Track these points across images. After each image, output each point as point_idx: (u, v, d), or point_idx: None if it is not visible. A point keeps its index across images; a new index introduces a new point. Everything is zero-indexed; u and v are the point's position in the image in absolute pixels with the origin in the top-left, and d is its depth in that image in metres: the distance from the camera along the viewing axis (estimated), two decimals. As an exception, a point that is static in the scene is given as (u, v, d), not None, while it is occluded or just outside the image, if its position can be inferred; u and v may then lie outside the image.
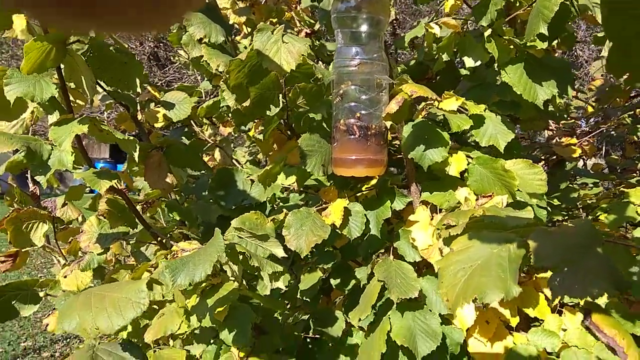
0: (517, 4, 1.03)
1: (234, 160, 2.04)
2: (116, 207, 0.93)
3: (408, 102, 0.90)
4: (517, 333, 1.14)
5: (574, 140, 1.76)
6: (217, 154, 1.81)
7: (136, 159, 0.75)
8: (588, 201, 1.64)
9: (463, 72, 1.34)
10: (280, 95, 0.99)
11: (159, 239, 0.93)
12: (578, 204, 1.66)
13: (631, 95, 1.87)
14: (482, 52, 1.05)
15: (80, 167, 0.82)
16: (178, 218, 1.05)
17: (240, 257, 0.77)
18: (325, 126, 1.02)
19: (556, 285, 0.50)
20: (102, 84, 0.96)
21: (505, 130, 1.04)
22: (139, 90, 0.78)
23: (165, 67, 4.52)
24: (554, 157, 1.83)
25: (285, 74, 0.83)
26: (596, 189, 1.63)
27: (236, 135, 2.55)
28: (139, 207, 1.04)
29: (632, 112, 1.87)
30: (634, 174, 1.93)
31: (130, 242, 0.98)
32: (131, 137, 0.75)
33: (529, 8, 1.00)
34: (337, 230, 0.95)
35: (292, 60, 0.81)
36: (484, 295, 0.49)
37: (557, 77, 1.01)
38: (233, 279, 0.87)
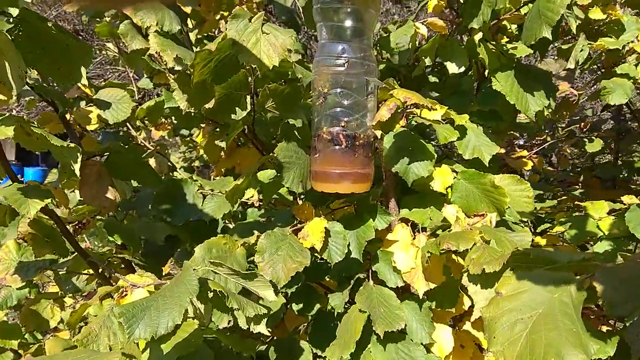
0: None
1: (170, 166, 1.85)
2: (42, 229, 0.74)
3: (400, 116, 0.79)
4: (491, 356, 1.08)
5: (525, 153, 1.77)
6: (152, 161, 1.61)
7: (77, 172, 0.57)
8: (542, 214, 1.64)
9: (432, 79, 1.27)
10: (248, 97, 0.84)
11: (100, 270, 0.75)
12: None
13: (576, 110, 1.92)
14: (465, 57, 0.98)
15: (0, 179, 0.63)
16: (119, 242, 0.87)
17: (211, 294, 0.62)
18: (297, 134, 0.89)
19: (637, 339, 0.41)
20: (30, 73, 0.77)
21: (488, 142, 0.98)
22: (84, 81, 0.61)
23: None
24: (504, 168, 1.82)
25: (263, 70, 0.70)
26: (550, 202, 1.63)
27: (170, 139, 2.34)
28: (69, 229, 0.85)
29: (577, 125, 1.93)
30: (576, 186, 1.99)
31: (60, 272, 0.79)
32: (72, 145, 0.57)
33: (516, 12, 0.94)
34: (316, 255, 0.82)
35: (274, 54, 0.68)
36: (562, 358, 0.39)
37: (543, 86, 0.96)
38: (193, 316, 0.72)
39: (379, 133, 0.79)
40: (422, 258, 0.86)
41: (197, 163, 2.72)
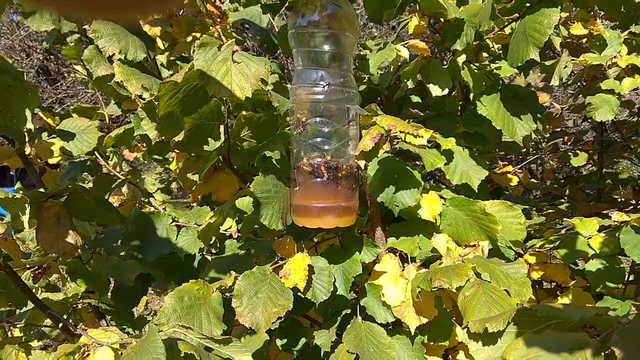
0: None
1: (144, 193, 1.78)
2: (-6, 281, 0.66)
3: (384, 141, 0.75)
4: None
5: (510, 168, 1.75)
6: (124, 190, 1.54)
7: (26, 225, 0.51)
8: (530, 231, 1.61)
9: (414, 99, 1.23)
10: (222, 127, 0.79)
11: (60, 324, 0.68)
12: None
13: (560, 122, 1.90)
14: (448, 79, 0.94)
15: None
16: (83, 287, 0.80)
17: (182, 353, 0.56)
18: (276, 164, 0.83)
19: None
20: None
21: (476, 166, 0.94)
22: (29, 125, 0.54)
23: (56, 81, 3.99)
24: (489, 184, 1.79)
25: (235, 102, 0.64)
26: (537, 219, 1.60)
27: (145, 160, 2.26)
28: (27, 274, 0.77)
29: (560, 139, 1.91)
30: (562, 200, 1.97)
31: (18, 325, 0.71)
32: (17, 195, 0.51)
33: (499, 32, 0.91)
34: (300, 294, 0.76)
35: (247, 85, 0.62)
36: None
37: (530, 108, 0.92)
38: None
39: (362, 163, 0.74)
40: (413, 292, 0.81)
41: (174, 185, 2.63)
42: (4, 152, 0.85)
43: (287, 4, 0.69)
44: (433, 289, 0.73)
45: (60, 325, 0.66)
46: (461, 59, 0.86)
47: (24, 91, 0.52)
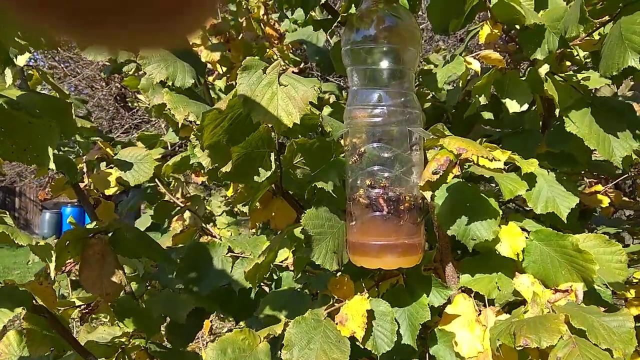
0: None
1: (207, 212, 1.79)
2: (39, 323, 0.64)
3: (453, 164, 0.65)
4: None
5: (599, 188, 1.56)
6: (186, 214, 1.53)
7: (52, 273, 0.47)
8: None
9: (486, 115, 1.11)
10: (272, 154, 0.73)
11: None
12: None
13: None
14: (528, 92, 0.82)
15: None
16: (131, 329, 0.76)
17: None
18: (333, 194, 0.76)
19: None
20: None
21: (564, 192, 0.81)
22: (51, 165, 0.51)
23: (133, 108, 4.24)
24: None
25: (282, 130, 0.58)
26: (635, 247, 1.40)
27: (211, 184, 2.28)
28: (76, 313, 0.75)
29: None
30: (662, 223, 1.73)
31: (62, 370, 0.68)
32: (42, 242, 0.47)
33: (587, 38, 0.78)
34: (358, 344, 0.67)
35: (294, 110, 0.56)
36: None
37: (627, 123, 0.78)
38: None
39: (428, 194, 0.64)
40: (492, 343, 0.69)
41: (238, 207, 2.64)
42: (58, 184, 0.85)
43: (339, 19, 0.62)
44: (517, 348, 0.61)
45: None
46: (543, 69, 0.75)
47: (45, 127, 0.48)
